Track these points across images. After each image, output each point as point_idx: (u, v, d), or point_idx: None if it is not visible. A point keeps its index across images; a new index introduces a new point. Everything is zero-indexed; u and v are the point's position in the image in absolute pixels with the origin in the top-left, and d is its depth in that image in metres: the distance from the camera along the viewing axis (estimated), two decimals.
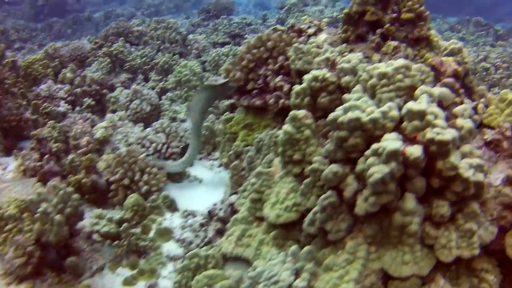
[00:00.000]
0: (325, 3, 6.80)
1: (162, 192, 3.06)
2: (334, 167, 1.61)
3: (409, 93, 1.62)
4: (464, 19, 10.09)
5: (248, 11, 13.02)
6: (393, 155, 1.41)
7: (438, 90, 1.59)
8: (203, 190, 3.16)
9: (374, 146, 1.47)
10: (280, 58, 2.38)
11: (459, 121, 1.55)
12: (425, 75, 1.67)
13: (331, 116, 1.59)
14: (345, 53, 2.32)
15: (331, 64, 2.04)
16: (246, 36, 5.91)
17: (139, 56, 5.25)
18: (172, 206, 3.01)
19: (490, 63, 5.64)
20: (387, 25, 2.20)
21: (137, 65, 5.22)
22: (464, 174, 1.44)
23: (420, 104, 1.51)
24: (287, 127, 1.90)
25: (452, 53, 2.66)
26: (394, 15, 2.19)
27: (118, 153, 3.24)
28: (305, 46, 2.25)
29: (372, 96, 1.67)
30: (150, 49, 5.43)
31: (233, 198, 2.52)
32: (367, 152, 1.50)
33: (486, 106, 2.74)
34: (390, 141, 1.44)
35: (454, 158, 1.45)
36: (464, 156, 1.51)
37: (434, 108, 1.51)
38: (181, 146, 3.54)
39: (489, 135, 1.90)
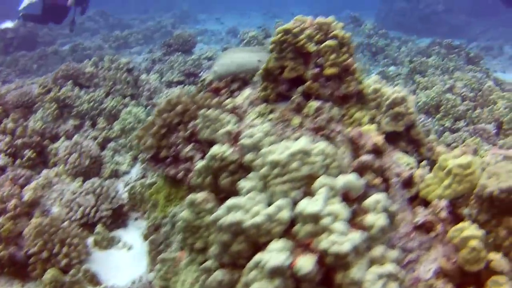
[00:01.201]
0: None
1: (84, 265, 2.74)
2: (218, 275, 1.31)
3: (309, 183, 1.32)
4: (435, 42, 9.98)
5: (221, 39, 12.85)
6: (277, 271, 1.11)
7: (342, 180, 1.29)
8: (130, 260, 2.83)
9: (257, 257, 1.18)
10: (192, 123, 2.08)
11: (369, 218, 1.25)
12: (330, 159, 1.37)
13: (212, 217, 1.30)
14: (264, 115, 2.03)
15: (234, 138, 1.74)
16: (200, 74, 5.63)
17: (87, 101, 4.94)
18: (93, 280, 2.69)
19: (456, 93, 5.43)
20: (309, 83, 1.91)
21: (84, 111, 4.90)
22: None
23: (314, 204, 1.21)
24: (185, 213, 1.63)
25: (394, 104, 2.41)
26: (317, 70, 1.91)
27: (38, 222, 2.90)
28: (213, 112, 1.96)
29: (265, 187, 1.37)
30: (99, 92, 5.12)
31: (151, 275, 2.21)
32: (249, 264, 1.19)
33: (433, 164, 2.49)
34: (274, 254, 1.15)
35: (356, 270, 1.14)
36: (373, 262, 1.21)
37: (334, 207, 1.22)
38: (113, 208, 3.21)
39: (421, 216, 1.60)
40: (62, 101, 4.98)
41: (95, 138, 4.45)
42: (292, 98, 1.95)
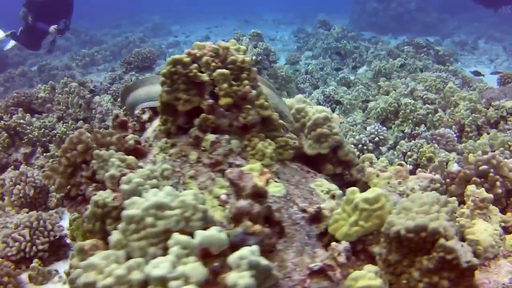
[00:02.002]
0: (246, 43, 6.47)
1: None
2: None
3: (167, 238, 1.20)
4: (404, 41, 9.94)
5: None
6: None
7: (200, 235, 1.16)
8: None
9: None
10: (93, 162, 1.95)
11: (231, 278, 1.12)
12: (191, 211, 1.24)
13: (71, 276, 1.20)
14: (166, 150, 1.91)
15: (117, 182, 1.61)
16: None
17: (38, 128, 4.78)
18: None
19: (418, 96, 5.34)
20: (203, 115, 1.79)
21: (35, 138, 4.75)
22: None
23: (162, 266, 1.09)
24: (74, 260, 1.51)
25: (316, 125, 2.29)
26: (211, 101, 1.79)
27: None
28: (107, 152, 1.82)
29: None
30: (50, 118, 4.98)
31: None
32: None
33: (365, 186, 2.37)
34: None
35: None
36: None
37: (185, 268, 1.10)
38: (50, 241, 3.10)
39: (318, 260, 1.48)
40: (13, 129, 4.83)
41: (41, 167, 4.29)
42: (189, 132, 1.82)
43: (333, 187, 2.04)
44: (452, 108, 5.03)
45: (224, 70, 1.76)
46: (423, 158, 3.83)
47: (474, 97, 5.09)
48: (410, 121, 4.77)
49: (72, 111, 5.07)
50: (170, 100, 1.82)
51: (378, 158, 4.20)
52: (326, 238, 1.64)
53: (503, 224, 2.26)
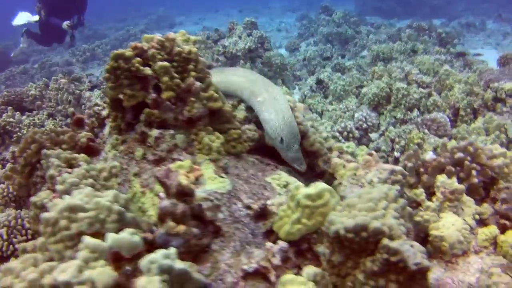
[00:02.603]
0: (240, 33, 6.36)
1: None
2: None
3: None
4: (407, 25, 9.71)
5: None
6: None
7: (111, 239, 1.11)
8: None
9: None
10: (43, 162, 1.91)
11: (140, 283, 1.07)
12: (105, 213, 1.18)
13: None
14: (116, 147, 1.85)
15: (55, 183, 1.57)
16: None
17: (26, 125, 4.78)
18: None
19: (412, 80, 5.20)
20: (147, 110, 1.73)
21: (24, 136, 4.75)
22: None
23: (68, 271, 1.04)
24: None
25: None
26: (154, 95, 1.73)
27: None
28: (55, 151, 1.78)
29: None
30: (40, 115, 4.97)
31: None
32: None
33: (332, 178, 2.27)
34: None
35: None
36: None
37: (92, 272, 1.05)
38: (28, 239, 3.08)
39: (254, 260, 1.41)
40: (2, 128, 4.84)
41: None
42: (135, 128, 1.77)
43: (292, 180, 1.96)
44: (446, 92, 4.89)
45: (165, 63, 1.69)
46: (411, 144, 3.72)
47: (470, 80, 4.93)
48: (402, 106, 4.64)
49: (62, 107, 5.06)
50: (115, 96, 1.76)
51: (367, 146, 4.11)
52: (273, 236, 1.56)
53: (477, 216, 2.15)
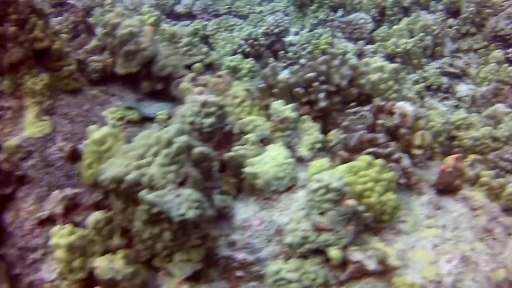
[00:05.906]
0: None
1: None
2: None
3: None
4: None
5: None
6: None
7: None
8: None
9: None
10: None
11: None
12: None
13: None
14: None
15: None
16: None
17: None
18: None
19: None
20: None
21: None
22: None
23: None
24: None
25: (122, 42, 2.26)
26: None
27: None
28: None
29: None
30: None
31: None
32: None
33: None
34: None
35: None
36: None
37: None
38: None
39: (46, 208, 1.57)
40: None
41: None
42: None
43: (130, 112, 2.09)
44: None
45: None
46: (317, 51, 3.78)
47: None
48: (326, 5, 4.55)
49: None
50: None
51: (279, 51, 4.09)
52: None
53: (318, 145, 2.07)
